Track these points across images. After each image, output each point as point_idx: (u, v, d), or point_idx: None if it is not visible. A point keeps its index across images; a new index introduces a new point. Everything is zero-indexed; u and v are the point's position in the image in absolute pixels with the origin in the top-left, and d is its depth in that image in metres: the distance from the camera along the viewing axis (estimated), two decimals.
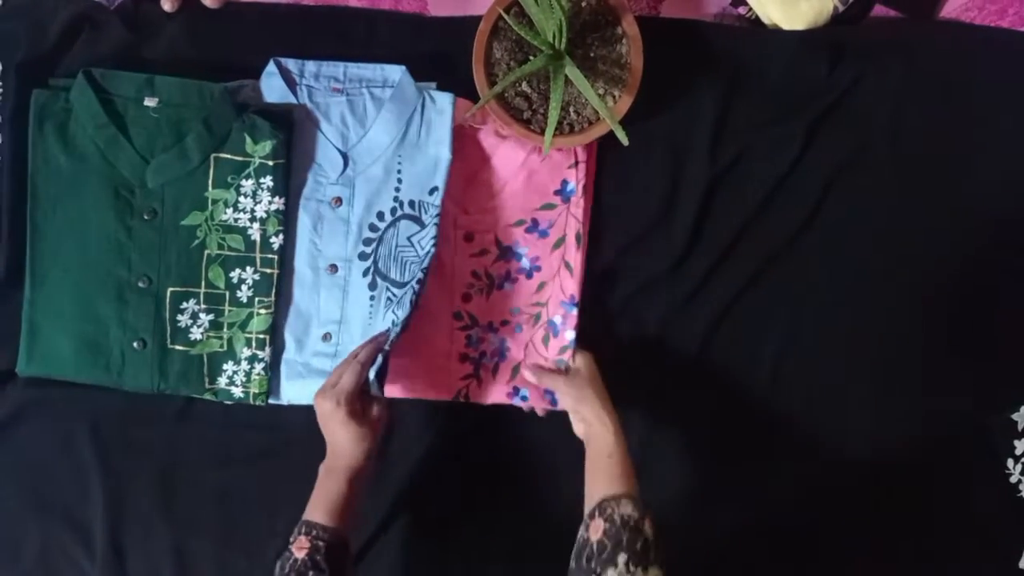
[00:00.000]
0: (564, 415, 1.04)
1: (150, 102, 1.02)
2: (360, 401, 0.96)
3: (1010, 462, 1.10)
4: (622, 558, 0.84)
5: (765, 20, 1.10)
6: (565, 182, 1.08)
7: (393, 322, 1.03)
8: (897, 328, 1.10)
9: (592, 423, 0.98)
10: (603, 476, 0.94)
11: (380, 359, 0.98)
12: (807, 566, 1.10)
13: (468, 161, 1.08)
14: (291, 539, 0.91)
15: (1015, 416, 1.10)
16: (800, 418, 1.10)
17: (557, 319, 1.08)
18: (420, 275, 1.04)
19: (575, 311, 1.08)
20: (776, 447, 1.10)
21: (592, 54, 1.04)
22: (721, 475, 1.10)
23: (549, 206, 1.08)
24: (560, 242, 1.08)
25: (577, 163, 1.07)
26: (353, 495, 0.95)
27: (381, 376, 0.97)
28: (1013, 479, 1.10)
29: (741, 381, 1.10)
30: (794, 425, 1.10)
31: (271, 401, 1.07)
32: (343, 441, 0.95)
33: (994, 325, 1.11)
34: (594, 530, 0.88)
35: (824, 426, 1.10)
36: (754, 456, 1.10)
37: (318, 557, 0.89)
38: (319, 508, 0.93)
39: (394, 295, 1.06)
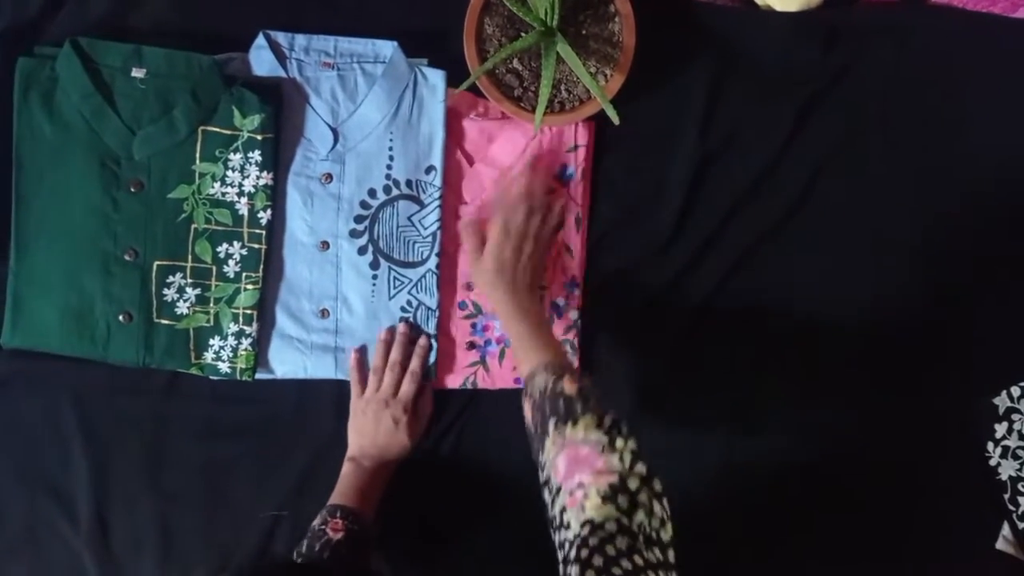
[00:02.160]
0: None
1: (137, 73, 1.01)
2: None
3: (990, 445, 1.12)
4: (551, 423, 0.83)
5: (759, 0, 1.10)
6: (565, 166, 1.08)
7: (424, 306, 1.07)
8: (885, 311, 1.11)
9: (496, 310, 1.01)
10: (519, 359, 0.95)
11: (434, 345, 1.07)
12: (788, 546, 1.11)
13: (467, 150, 1.08)
14: (321, 520, 0.94)
15: (996, 400, 1.12)
16: (788, 399, 1.11)
17: (560, 300, 1.09)
18: (436, 259, 1.06)
19: (577, 291, 1.09)
20: (764, 429, 1.11)
21: (584, 32, 1.03)
22: (709, 454, 1.11)
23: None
24: (560, 225, 1.09)
25: (577, 147, 1.07)
26: (384, 487, 1.02)
27: (434, 365, 1.07)
28: (992, 462, 1.11)
29: (729, 363, 1.11)
30: (781, 407, 1.11)
31: (259, 376, 1.07)
32: (398, 442, 1.03)
33: (981, 310, 1.12)
34: (526, 413, 0.89)
35: (811, 407, 1.11)
36: (742, 436, 1.11)
37: (353, 541, 0.93)
38: (353, 496, 0.98)
39: (402, 275, 1.07)
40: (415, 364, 1.05)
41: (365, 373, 1.07)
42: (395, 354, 1.05)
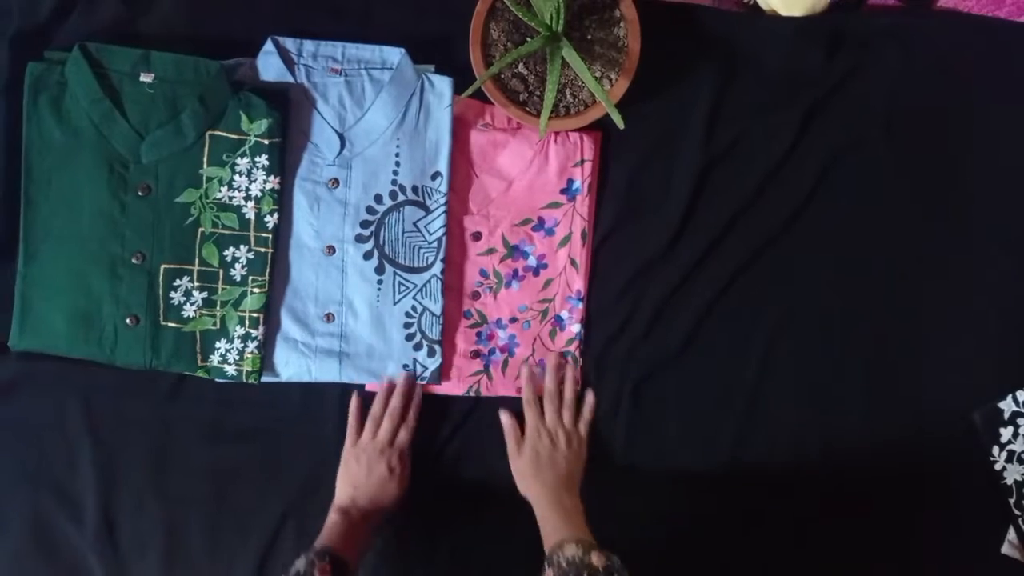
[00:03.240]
0: None
1: (146, 77, 1.02)
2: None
3: (995, 449, 1.11)
4: None
5: (763, 5, 1.11)
6: (571, 181, 1.09)
7: (428, 312, 1.08)
8: (890, 314, 1.11)
9: (532, 501, 1.02)
10: (544, 533, 0.97)
11: (438, 350, 1.07)
12: (793, 551, 1.11)
13: (473, 160, 1.09)
14: (307, 563, 0.91)
15: (1001, 404, 1.11)
16: (792, 403, 1.11)
17: (564, 314, 1.10)
18: (441, 264, 1.07)
19: (581, 305, 1.10)
20: (768, 432, 1.11)
21: (589, 36, 1.04)
22: (713, 459, 1.11)
23: (555, 204, 1.09)
24: (566, 240, 1.09)
25: (583, 161, 1.08)
26: (371, 539, 1.04)
27: (438, 370, 1.08)
28: (998, 466, 1.11)
29: (732, 367, 1.11)
30: (786, 410, 1.11)
31: (264, 379, 1.07)
32: (389, 493, 1.01)
33: (987, 313, 1.12)
34: None
35: (816, 411, 1.11)
36: (746, 439, 1.11)
37: None
38: (340, 542, 0.96)
39: (407, 281, 1.07)
40: (411, 415, 1.06)
41: (363, 422, 1.06)
42: (395, 401, 1.05)
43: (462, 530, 1.10)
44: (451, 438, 1.10)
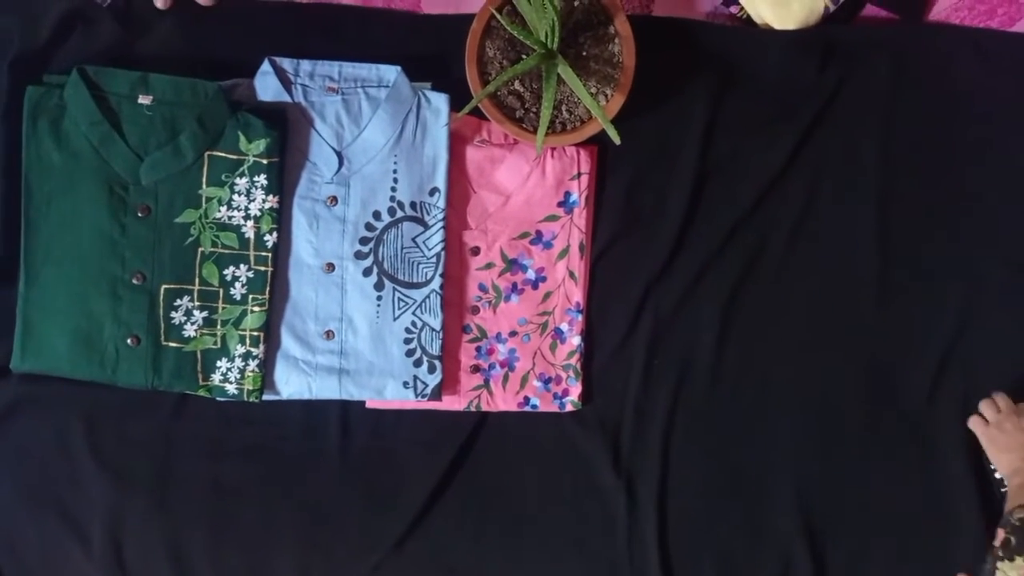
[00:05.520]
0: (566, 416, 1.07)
1: (144, 100, 1.02)
2: None
3: None
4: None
5: (757, 19, 1.11)
6: (568, 194, 1.09)
7: (428, 327, 1.08)
8: (887, 319, 1.12)
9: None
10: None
11: (439, 366, 1.07)
12: (795, 545, 1.11)
13: (471, 177, 1.09)
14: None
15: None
16: (791, 411, 1.12)
17: (564, 326, 1.10)
18: (440, 279, 1.07)
19: (580, 317, 1.10)
20: (765, 442, 1.12)
21: (584, 53, 1.04)
22: (711, 471, 1.12)
23: (552, 217, 1.10)
24: (564, 252, 1.10)
25: (580, 174, 1.08)
26: None
27: (439, 386, 1.08)
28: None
29: (733, 378, 1.12)
30: (785, 417, 1.12)
31: (266, 397, 1.07)
32: None
33: (982, 317, 1.12)
34: (997, 538, 0.98)
35: (813, 421, 1.12)
36: (744, 452, 1.12)
37: None
38: None
39: (406, 296, 1.07)
40: None
41: None
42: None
43: (463, 546, 1.11)
44: (455, 455, 1.10)
